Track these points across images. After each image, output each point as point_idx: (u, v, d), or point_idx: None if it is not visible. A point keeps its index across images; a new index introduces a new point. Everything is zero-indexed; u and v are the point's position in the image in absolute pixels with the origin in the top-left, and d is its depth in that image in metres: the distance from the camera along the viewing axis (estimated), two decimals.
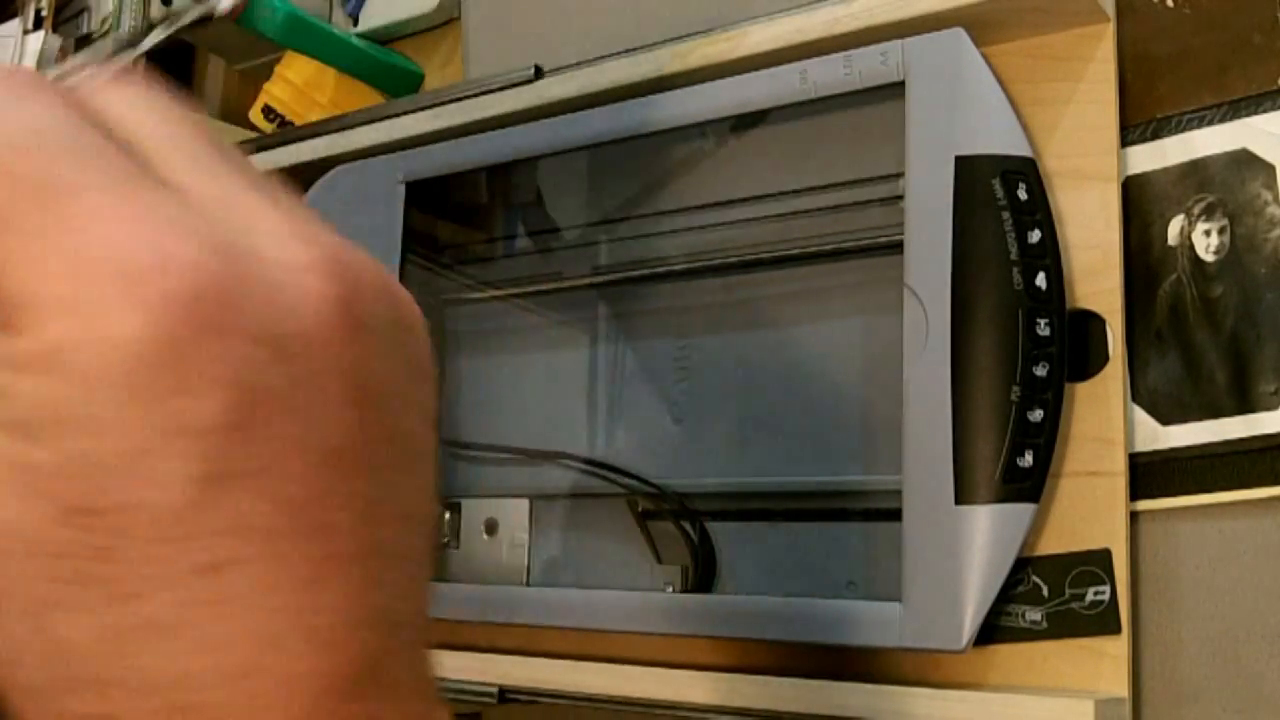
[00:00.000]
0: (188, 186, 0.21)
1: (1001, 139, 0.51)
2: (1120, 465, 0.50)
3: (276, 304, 0.20)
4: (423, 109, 0.70)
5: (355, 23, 0.83)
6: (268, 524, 0.20)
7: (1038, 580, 0.50)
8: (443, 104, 0.69)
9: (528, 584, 0.65)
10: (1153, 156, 0.53)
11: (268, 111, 0.81)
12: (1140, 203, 0.53)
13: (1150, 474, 0.50)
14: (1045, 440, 0.49)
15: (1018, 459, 0.48)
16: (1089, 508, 0.50)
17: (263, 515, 0.20)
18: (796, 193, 0.59)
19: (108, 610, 0.20)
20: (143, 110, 0.22)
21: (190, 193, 0.21)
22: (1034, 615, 0.50)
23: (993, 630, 0.50)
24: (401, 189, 0.68)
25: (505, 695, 0.59)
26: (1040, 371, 0.49)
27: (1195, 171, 0.52)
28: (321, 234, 0.22)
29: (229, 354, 0.20)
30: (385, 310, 0.22)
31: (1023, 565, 0.50)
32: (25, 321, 0.19)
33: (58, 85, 0.22)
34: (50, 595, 0.20)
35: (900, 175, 0.53)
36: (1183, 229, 0.52)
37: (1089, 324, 0.51)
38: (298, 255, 0.21)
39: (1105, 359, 0.51)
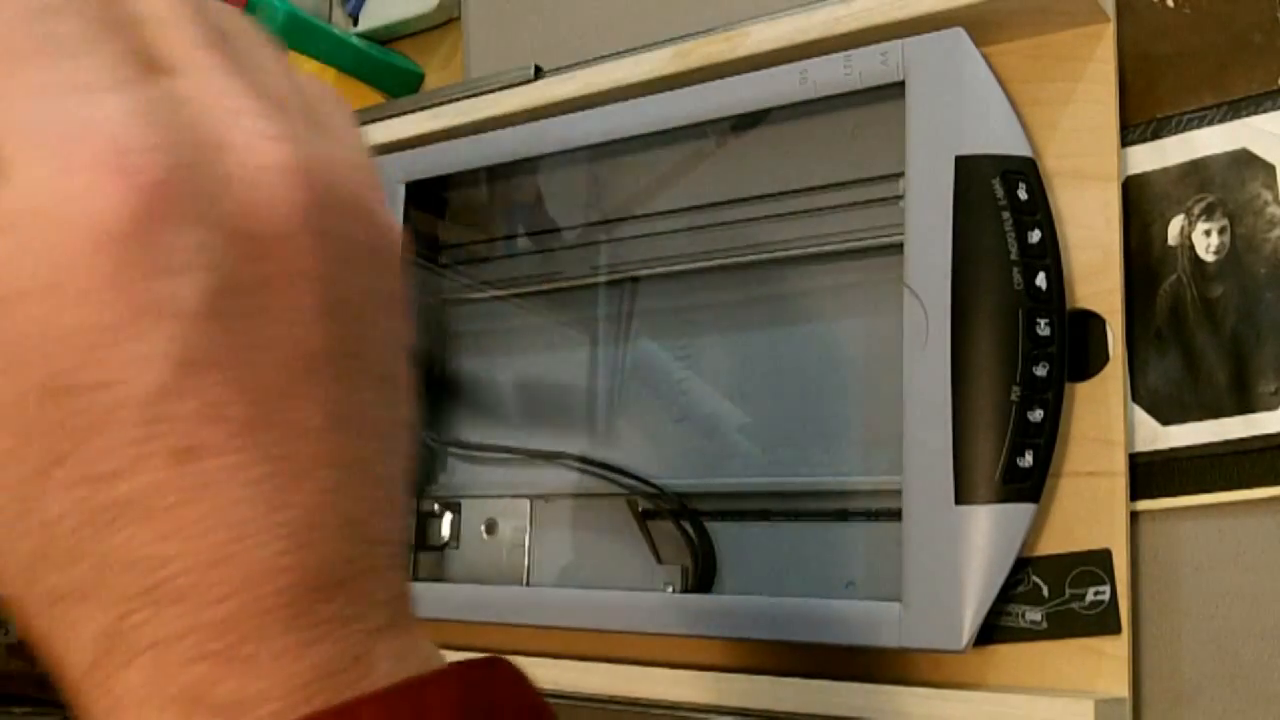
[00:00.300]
0: (181, 71, 0.21)
1: (1001, 139, 0.51)
2: (1120, 465, 0.50)
3: (244, 201, 0.20)
4: (423, 109, 0.70)
5: (355, 23, 0.83)
6: (240, 414, 0.20)
7: (1038, 580, 0.50)
8: (443, 104, 0.69)
9: (527, 584, 0.65)
10: (1153, 156, 0.53)
11: None
12: (1140, 203, 0.53)
13: (1150, 474, 0.50)
14: (1045, 440, 0.49)
15: (1018, 459, 0.48)
16: (1089, 508, 0.50)
17: (236, 406, 0.20)
18: (796, 193, 0.59)
19: (85, 490, 0.20)
20: None
21: (180, 79, 0.21)
22: (1034, 615, 0.50)
23: (993, 630, 0.50)
24: (401, 189, 0.68)
25: None
26: (1040, 371, 0.49)
27: (1195, 171, 0.52)
28: (310, 136, 0.22)
29: (202, 242, 0.20)
30: (357, 230, 0.22)
31: (1023, 565, 0.50)
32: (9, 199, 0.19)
33: None
34: (31, 474, 0.20)
35: (900, 175, 0.53)
36: (1183, 229, 0.52)
37: (1089, 324, 0.51)
38: (271, 155, 0.21)
39: (1105, 359, 0.51)
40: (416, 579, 0.66)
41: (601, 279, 0.66)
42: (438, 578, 0.67)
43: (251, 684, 0.20)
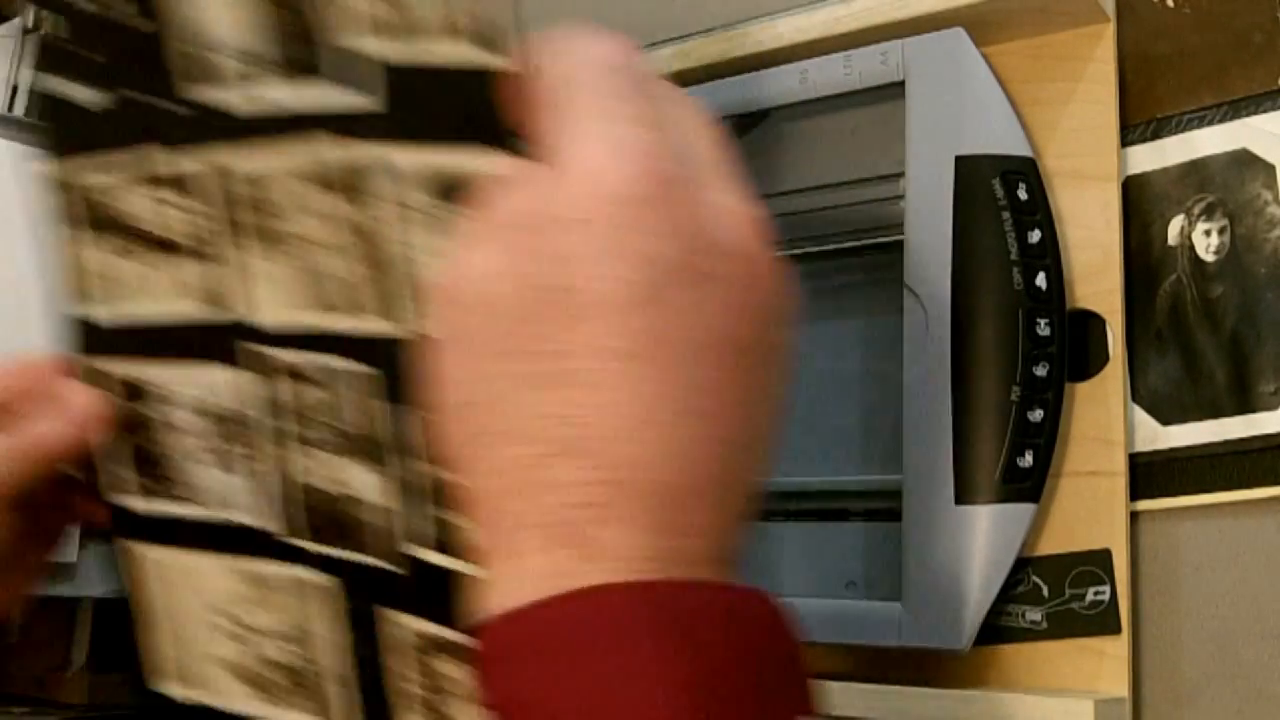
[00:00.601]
0: (669, 126, 0.30)
1: (1001, 139, 0.51)
2: (1120, 465, 0.50)
3: (714, 224, 0.29)
4: None
5: None
6: (670, 349, 0.27)
7: (1038, 580, 0.50)
8: None
9: None
10: (1153, 156, 0.53)
11: None
12: (1140, 203, 0.53)
13: (1150, 474, 0.50)
14: (1045, 440, 0.49)
15: (1018, 459, 0.48)
16: (1089, 508, 0.50)
17: (669, 343, 0.27)
18: (796, 192, 0.59)
19: (543, 367, 0.28)
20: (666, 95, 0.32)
21: (669, 131, 0.30)
22: (1034, 615, 0.50)
23: (993, 630, 0.50)
24: None
25: None
26: (1040, 371, 0.49)
27: (1195, 171, 0.52)
28: (751, 199, 0.31)
29: (679, 230, 0.28)
30: (775, 279, 0.31)
31: (1023, 565, 0.50)
32: (559, 161, 0.29)
33: (630, 53, 0.32)
34: (509, 350, 0.28)
35: (900, 175, 0.53)
36: (1183, 229, 0.52)
37: (1089, 324, 0.51)
38: (742, 206, 0.30)
39: (1105, 359, 0.51)
40: None
41: None
42: None
43: (612, 539, 0.27)
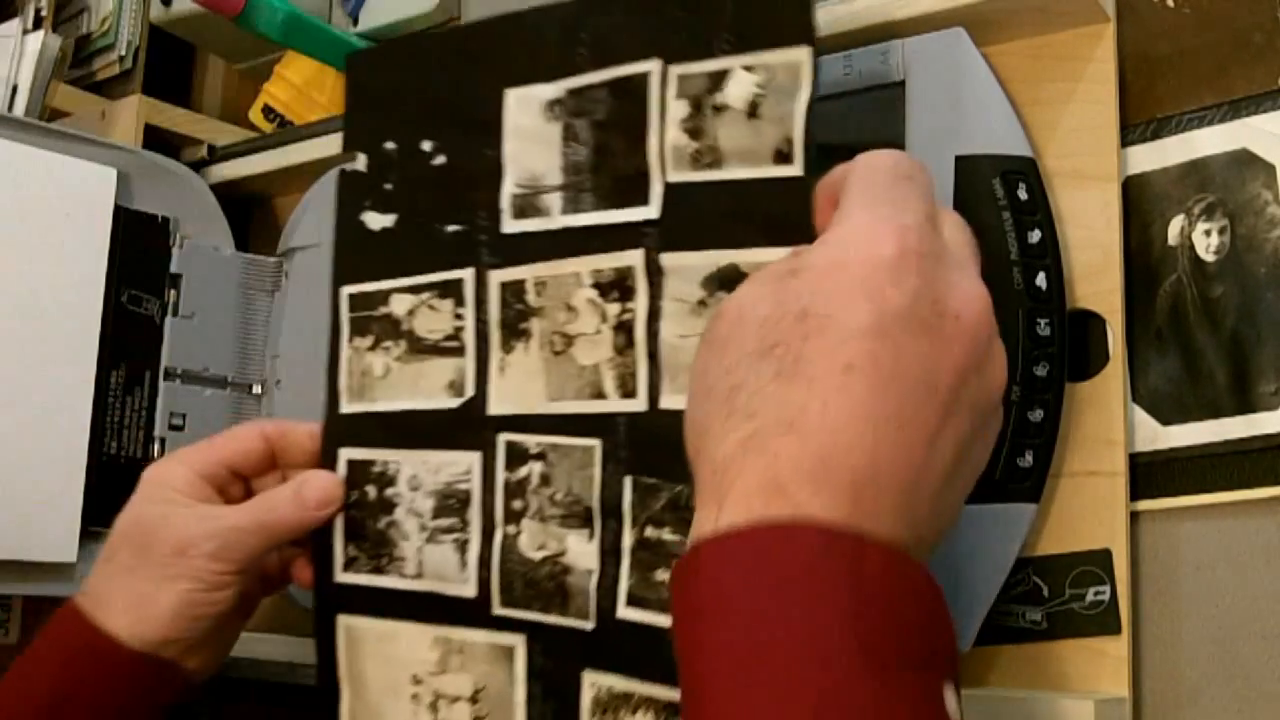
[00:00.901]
0: (928, 219, 0.38)
1: (1001, 139, 0.51)
2: (1120, 465, 0.50)
3: (946, 293, 0.36)
4: None
5: (355, 23, 0.83)
6: (884, 375, 0.34)
7: (1038, 580, 0.50)
8: None
9: None
10: (1153, 156, 0.53)
11: (268, 111, 0.82)
12: (1140, 203, 0.53)
13: (1150, 474, 0.50)
14: (1045, 440, 0.49)
15: (1018, 459, 0.48)
16: (1089, 508, 0.50)
17: (886, 363, 0.34)
18: None
19: (782, 366, 0.35)
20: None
21: (927, 222, 0.38)
22: (1034, 615, 0.50)
23: (993, 630, 0.50)
24: None
25: None
26: (1040, 371, 0.49)
27: (1195, 171, 0.52)
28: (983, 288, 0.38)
29: (915, 289, 0.35)
30: (986, 350, 0.37)
31: (1023, 565, 0.50)
32: (826, 234, 0.38)
33: (910, 163, 0.40)
34: (756, 349, 0.36)
35: None
36: (1183, 229, 0.52)
37: (1089, 324, 0.51)
38: (975, 288, 0.37)
39: (1105, 359, 0.51)
40: None
41: None
42: None
43: (813, 501, 0.33)
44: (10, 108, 0.83)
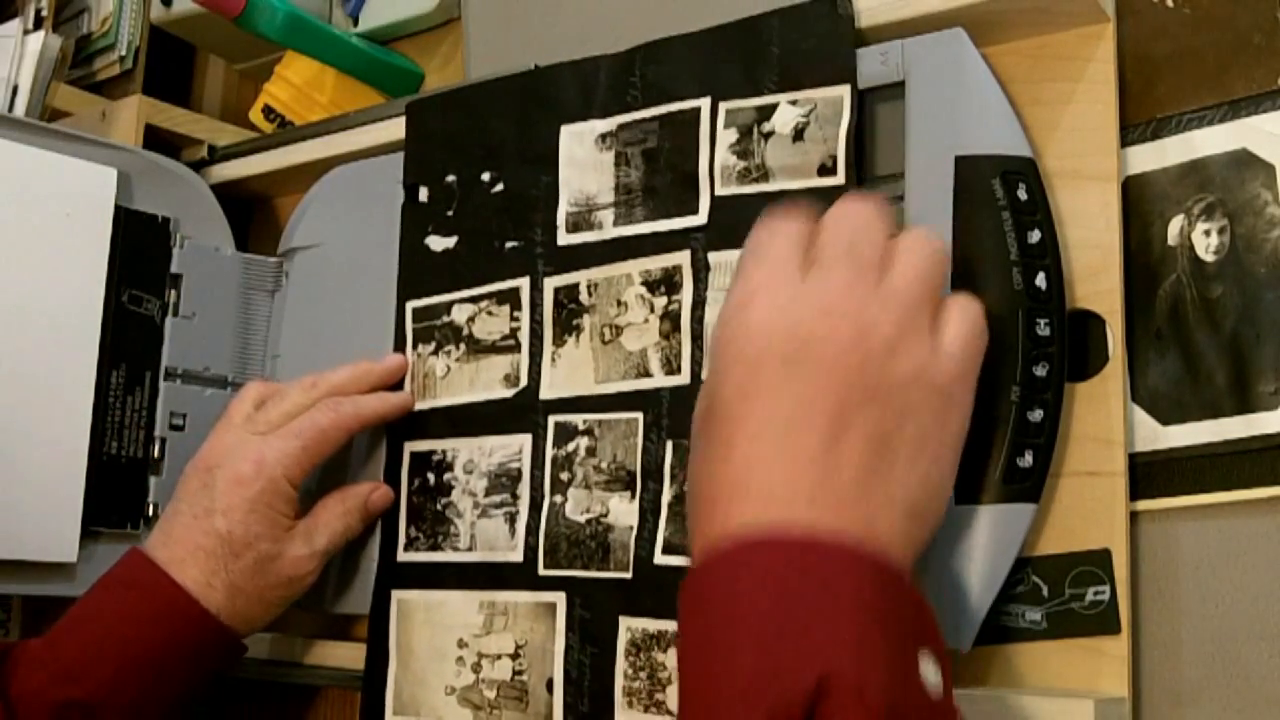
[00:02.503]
0: (832, 285, 0.43)
1: (1001, 139, 0.51)
2: (1120, 465, 0.50)
3: (812, 322, 0.42)
4: None
5: (355, 23, 0.83)
6: (770, 403, 0.41)
7: (1038, 580, 0.50)
8: None
9: None
10: (1153, 156, 0.53)
11: (268, 111, 0.82)
12: (1140, 203, 0.53)
13: (1150, 474, 0.50)
14: (1045, 440, 0.49)
15: (1018, 459, 0.48)
16: (1089, 508, 0.50)
17: (768, 399, 0.41)
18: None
19: (705, 423, 0.43)
20: (842, 221, 0.45)
21: (829, 273, 0.43)
22: (1034, 615, 0.50)
23: (993, 630, 0.50)
24: (401, 189, 0.68)
25: None
26: (1040, 371, 0.49)
27: (1195, 171, 0.52)
28: (925, 331, 0.43)
29: (774, 337, 0.42)
30: (899, 346, 0.42)
31: (1023, 565, 0.50)
32: (739, 303, 0.44)
33: (806, 214, 0.46)
34: (699, 414, 0.43)
35: (900, 175, 0.53)
36: (1183, 229, 0.52)
37: (1089, 324, 0.51)
38: (923, 350, 0.42)
39: (1105, 359, 0.51)
40: None
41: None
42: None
43: (821, 519, 0.39)
44: (11, 108, 0.83)
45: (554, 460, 0.59)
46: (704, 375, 0.44)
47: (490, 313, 0.63)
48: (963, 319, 0.44)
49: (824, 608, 0.37)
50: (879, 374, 0.41)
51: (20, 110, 0.83)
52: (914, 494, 0.41)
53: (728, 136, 0.56)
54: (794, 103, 0.54)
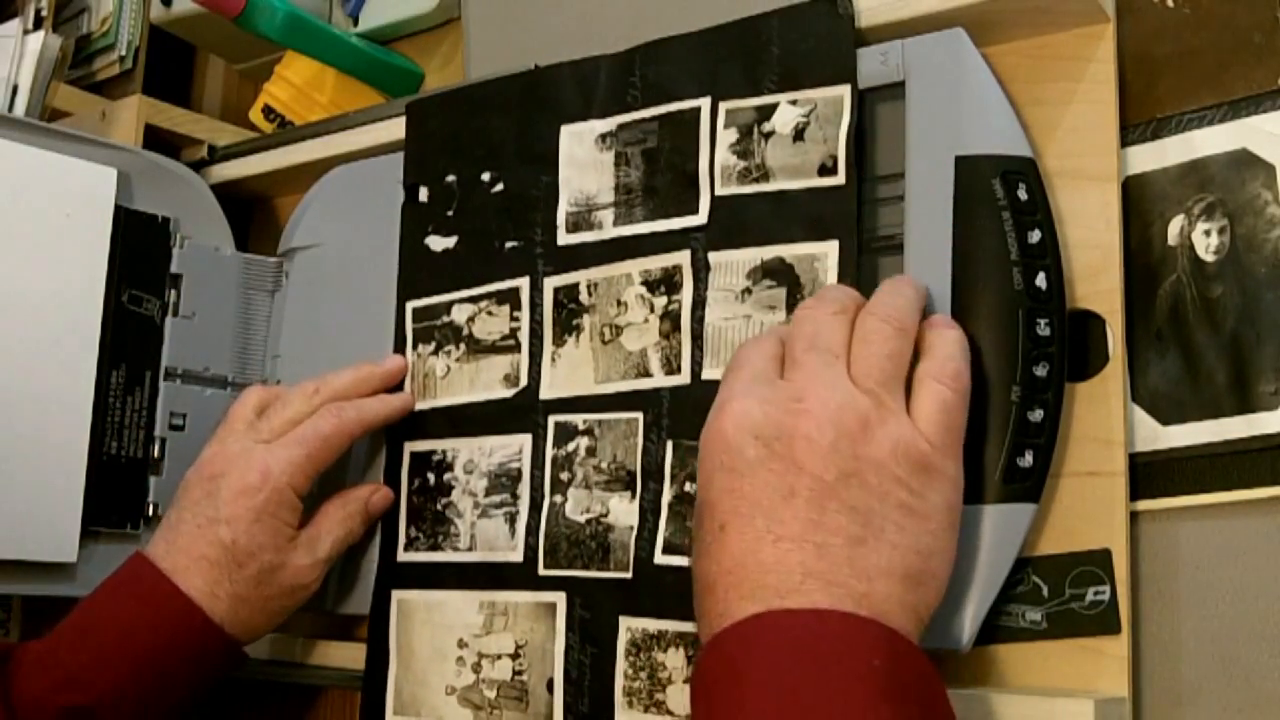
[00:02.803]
0: (797, 368, 0.46)
1: (1001, 139, 0.51)
2: (1120, 465, 0.50)
3: (793, 424, 0.44)
4: None
5: (355, 23, 0.83)
6: (752, 498, 0.43)
7: (1038, 580, 0.50)
8: None
9: None
10: (1153, 156, 0.53)
11: (268, 111, 0.82)
12: (1140, 203, 0.53)
13: (1150, 474, 0.50)
14: (1045, 440, 0.49)
15: (1018, 459, 0.48)
16: (1089, 508, 0.50)
17: (749, 495, 0.43)
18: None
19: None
20: (805, 322, 0.47)
21: (796, 381, 0.45)
22: (1034, 615, 0.50)
23: (993, 630, 0.50)
24: (401, 189, 0.68)
25: None
26: (1040, 371, 0.49)
27: (1195, 171, 0.52)
28: (898, 408, 0.45)
29: (744, 441, 0.44)
30: (875, 434, 0.44)
31: (1023, 565, 0.50)
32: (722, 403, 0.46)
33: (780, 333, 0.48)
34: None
35: (900, 175, 0.53)
36: (1183, 229, 0.52)
37: (1089, 324, 0.51)
38: (897, 426, 0.44)
39: (1105, 359, 0.51)
40: None
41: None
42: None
43: (809, 597, 0.41)
44: (10, 108, 0.83)
45: (554, 460, 0.59)
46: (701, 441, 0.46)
47: (490, 313, 0.63)
48: (936, 394, 0.45)
49: (831, 676, 0.38)
50: (853, 452, 0.43)
51: (20, 110, 0.83)
52: (909, 561, 0.43)
53: (728, 136, 0.56)
54: (794, 103, 0.54)
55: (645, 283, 0.57)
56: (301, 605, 0.62)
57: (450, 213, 0.65)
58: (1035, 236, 0.50)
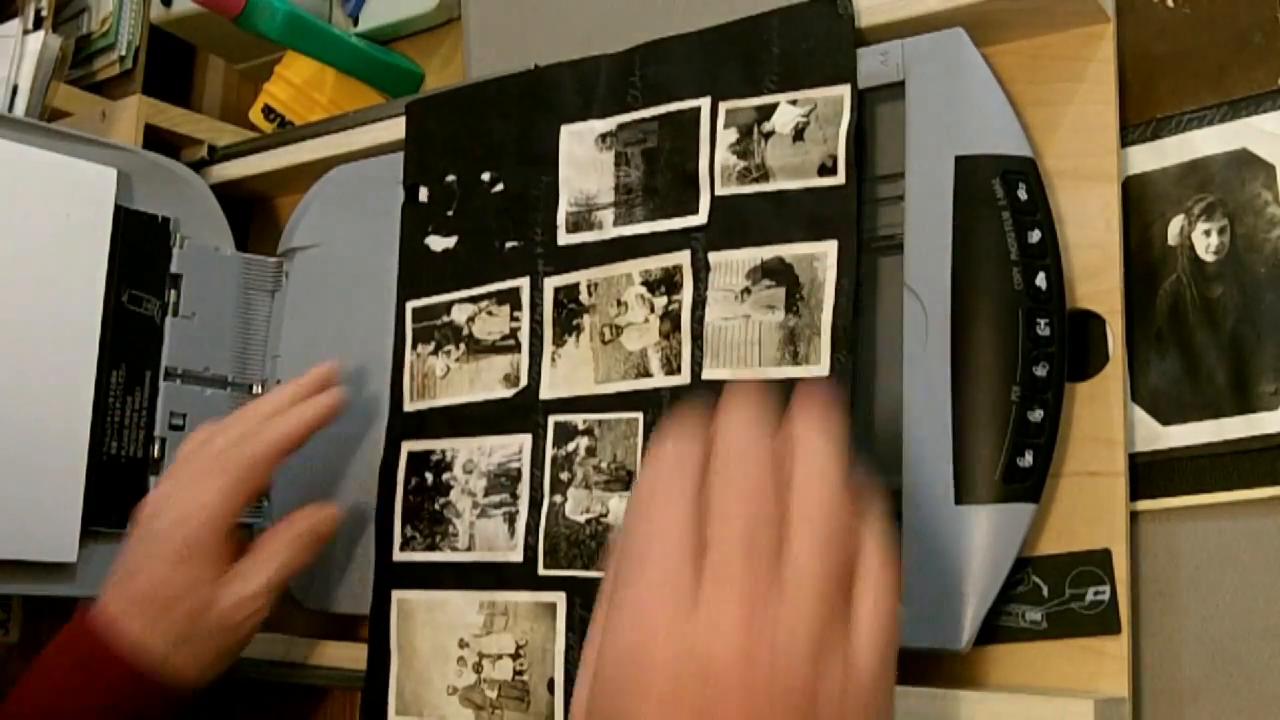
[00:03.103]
0: (717, 580, 0.37)
1: (1001, 139, 0.51)
2: (1120, 465, 0.50)
3: (808, 675, 0.36)
4: None
5: (355, 23, 0.83)
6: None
7: (1038, 580, 0.50)
8: None
9: None
10: (1153, 156, 0.53)
11: (268, 111, 0.82)
12: (1140, 203, 0.53)
13: (1150, 474, 0.50)
14: (1045, 440, 0.49)
15: (1018, 459, 0.48)
16: (1089, 508, 0.50)
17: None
18: None
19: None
20: (730, 492, 0.38)
21: (730, 594, 0.37)
22: (1034, 615, 0.50)
23: (993, 630, 0.50)
24: (401, 189, 0.68)
25: None
26: (1040, 371, 0.49)
27: (1195, 171, 0.52)
28: (837, 638, 0.37)
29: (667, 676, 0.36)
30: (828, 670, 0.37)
31: (1023, 565, 0.50)
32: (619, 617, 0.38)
33: (691, 491, 0.38)
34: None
35: (900, 175, 0.53)
36: (1183, 229, 0.52)
37: (1089, 324, 0.51)
38: (835, 662, 0.37)
39: (1105, 359, 0.51)
40: None
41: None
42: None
43: None
44: (10, 108, 0.83)
45: (554, 460, 0.59)
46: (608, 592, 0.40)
47: (490, 313, 0.63)
48: (876, 612, 0.39)
49: None
50: (788, 688, 0.37)
51: (20, 110, 0.83)
52: None
53: (728, 136, 0.56)
54: (794, 102, 0.54)
55: (645, 283, 0.58)
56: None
57: (450, 213, 0.66)
58: (1035, 236, 0.50)
